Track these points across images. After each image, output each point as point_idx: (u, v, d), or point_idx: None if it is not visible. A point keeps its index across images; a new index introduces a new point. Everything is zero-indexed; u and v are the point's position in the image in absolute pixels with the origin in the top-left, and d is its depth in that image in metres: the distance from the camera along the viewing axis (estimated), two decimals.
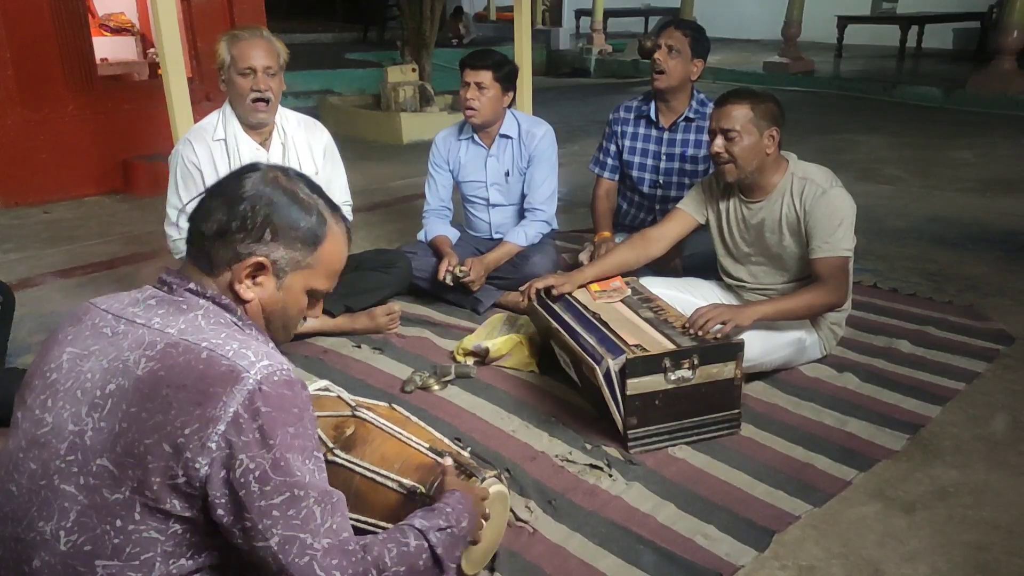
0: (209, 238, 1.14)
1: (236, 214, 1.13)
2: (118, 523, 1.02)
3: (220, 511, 1.02)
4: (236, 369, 1.03)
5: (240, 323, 1.15)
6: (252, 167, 1.19)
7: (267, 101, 2.50)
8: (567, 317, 2.31)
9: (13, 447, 1.11)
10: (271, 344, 1.17)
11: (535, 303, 2.46)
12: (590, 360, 2.04)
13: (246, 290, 1.16)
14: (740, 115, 2.28)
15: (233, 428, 1.00)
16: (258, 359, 1.05)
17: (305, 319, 1.28)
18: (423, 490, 1.51)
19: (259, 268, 1.15)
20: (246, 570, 1.10)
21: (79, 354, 1.10)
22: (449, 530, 1.23)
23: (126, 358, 1.06)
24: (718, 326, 2.11)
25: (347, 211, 2.93)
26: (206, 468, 1.00)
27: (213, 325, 1.10)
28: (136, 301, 1.15)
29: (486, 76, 2.91)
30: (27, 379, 1.16)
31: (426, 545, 1.18)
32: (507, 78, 2.97)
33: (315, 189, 1.21)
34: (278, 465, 1.03)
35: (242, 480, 1.01)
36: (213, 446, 1.00)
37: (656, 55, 2.96)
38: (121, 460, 1.01)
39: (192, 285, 1.15)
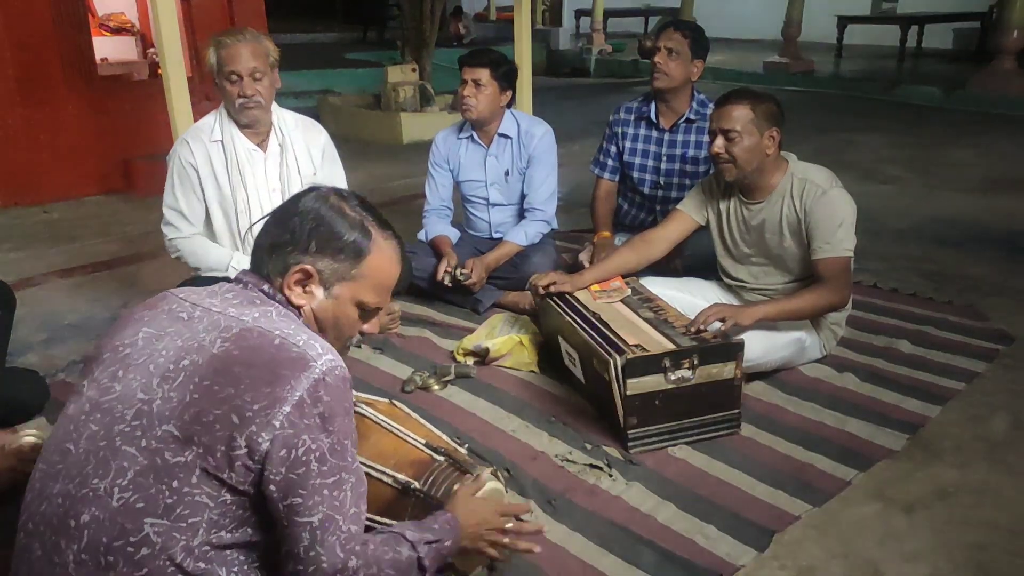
0: (266, 251, 1.26)
1: (287, 228, 1.25)
2: (175, 484, 1.07)
3: (272, 486, 1.09)
4: (306, 357, 1.12)
5: (306, 324, 1.24)
6: (310, 189, 1.30)
7: (255, 104, 2.50)
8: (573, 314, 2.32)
9: (75, 412, 1.17)
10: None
11: (547, 298, 2.46)
12: (604, 354, 2.03)
13: (297, 297, 1.24)
14: (740, 116, 2.28)
15: (297, 411, 1.08)
16: (324, 352, 1.14)
17: (362, 336, 1.34)
18: (417, 486, 1.51)
19: (307, 276, 1.24)
20: (274, 552, 1.16)
21: (155, 334, 1.18)
22: (435, 544, 1.30)
23: (202, 339, 1.14)
24: (717, 323, 2.11)
25: None
26: (267, 444, 1.07)
27: (284, 319, 1.19)
28: (213, 293, 1.24)
29: (483, 74, 2.92)
30: (95, 354, 1.23)
31: (415, 556, 1.26)
32: (505, 77, 2.97)
33: (366, 207, 1.30)
34: (335, 449, 1.12)
35: (304, 459, 1.09)
36: (277, 424, 1.07)
37: (656, 58, 2.96)
38: (188, 427, 1.08)
39: (265, 287, 1.24)
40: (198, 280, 2.46)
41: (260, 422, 1.07)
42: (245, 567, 1.14)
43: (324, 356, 1.14)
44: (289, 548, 1.12)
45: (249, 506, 1.12)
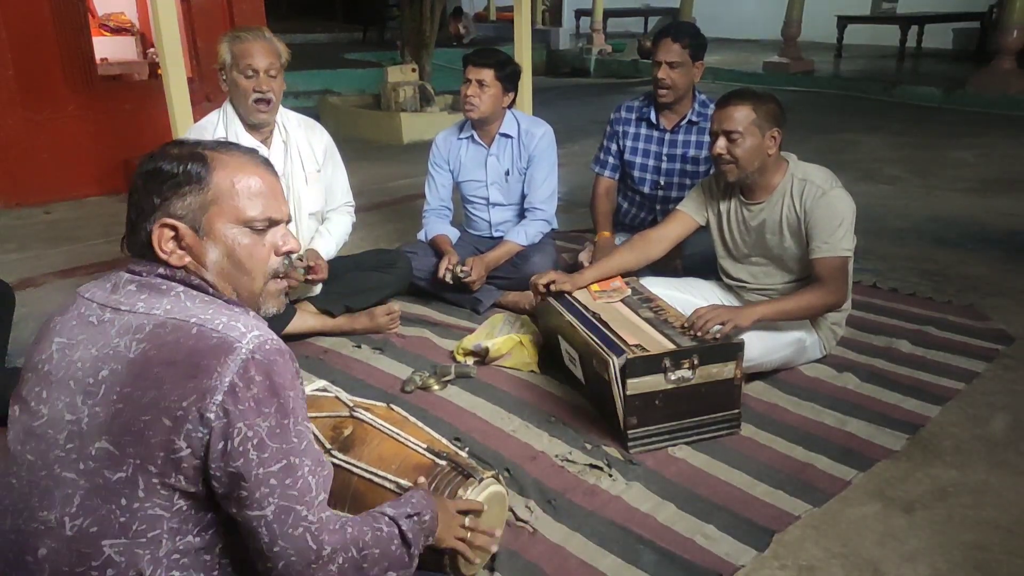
0: (129, 236, 1.16)
1: (132, 207, 1.15)
2: (123, 501, 1.03)
3: (215, 483, 1.04)
4: (227, 340, 1.04)
5: (219, 298, 1.15)
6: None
7: (268, 101, 2.51)
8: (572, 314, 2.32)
9: (11, 440, 1.12)
10: (254, 314, 1.16)
11: (547, 297, 2.46)
12: (604, 354, 2.03)
13: (178, 258, 1.14)
14: (742, 116, 2.28)
15: (230, 397, 1.01)
16: (248, 329, 1.06)
17: (288, 261, 1.23)
18: None
19: (173, 230, 1.13)
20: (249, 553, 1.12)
21: (67, 343, 1.11)
22: (415, 517, 1.28)
23: (116, 344, 1.06)
24: (717, 327, 2.11)
25: (348, 211, 2.94)
26: (206, 438, 1.02)
27: (199, 303, 1.10)
28: (117, 287, 1.14)
29: (488, 74, 2.92)
30: (22, 373, 1.16)
31: (396, 531, 1.23)
32: (509, 78, 2.98)
33: (200, 142, 1.20)
34: (274, 432, 1.05)
35: (240, 449, 1.02)
36: (212, 416, 1.01)
37: (658, 73, 2.95)
38: (119, 440, 1.02)
39: (162, 270, 1.14)
40: None
41: (194, 418, 1.00)
42: (228, 569, 1.10)
43: (249, 334, 1.05)
44: (253, 544, 1.07)
45: (208, 507, 1.07)
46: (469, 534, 1.46)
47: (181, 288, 1.12)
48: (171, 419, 1.01)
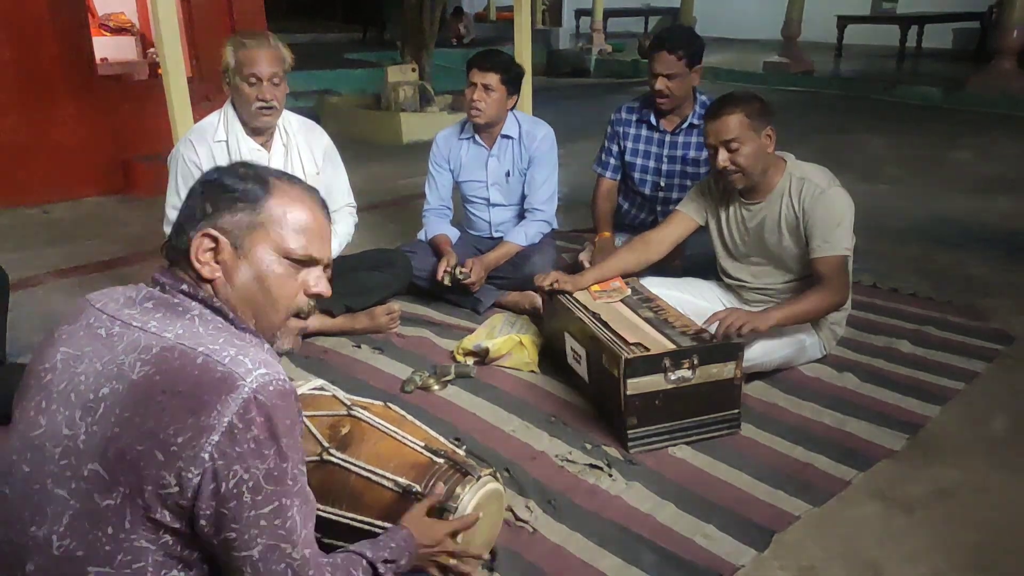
0: (171, 239, 1.16)
1: (185, 210, 1.17)
2: (109, 530, 1.01)
3: (203, 522, 1.01)
4: (232, 376, 1.01)
5: (235, 325, 1.13)
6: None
7: (272, 108, 2.50)
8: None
9: (8, 449, 1.10)
10: (267, 347, 1.15)
11: (556, 295, 2.46)
12: (616, 350, 2.03)
13: (210, 271, 1.13)
14: (736, 123, 2.27)
15: (227, 439, 0.99)
16: (255, 367, 1.03)
17: (313, 303, 1.23)
18: (418, 489, 1.51)
19: (214, 241, 1.12)
20: None
21: (73, 355, 1.09)
22: (391, 564, 1.28)
23: (121, 361, 1.04)
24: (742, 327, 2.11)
25: (350, 212, 2.93)
26: (197, 478, 0.99)
27: (211, 331, 1.08)
28: (132, 301, 1.12)
29: (494, 78, 2.91)
30: (24, 378, 1.15)
31: None
32: (514, 81, 2.97)
33: (257, 166, 1.22)
34: (271, 475, 1.02)
35: (235, 491, 1.00)
36: (206, 456, 0.98)
37: (656, 84, 2.94)
38: (113, 466, 1.00)
39: (185, 287, 1.13)
40: None
41: (187, 456, 0.97)
42: None
43: (255, 372, 1.02)
44: None
45: (193, 543, 1.05)
46: (452, 561, 1.44)
47: (198, 310, 1.10)
48: (164, 453, 0.98)
